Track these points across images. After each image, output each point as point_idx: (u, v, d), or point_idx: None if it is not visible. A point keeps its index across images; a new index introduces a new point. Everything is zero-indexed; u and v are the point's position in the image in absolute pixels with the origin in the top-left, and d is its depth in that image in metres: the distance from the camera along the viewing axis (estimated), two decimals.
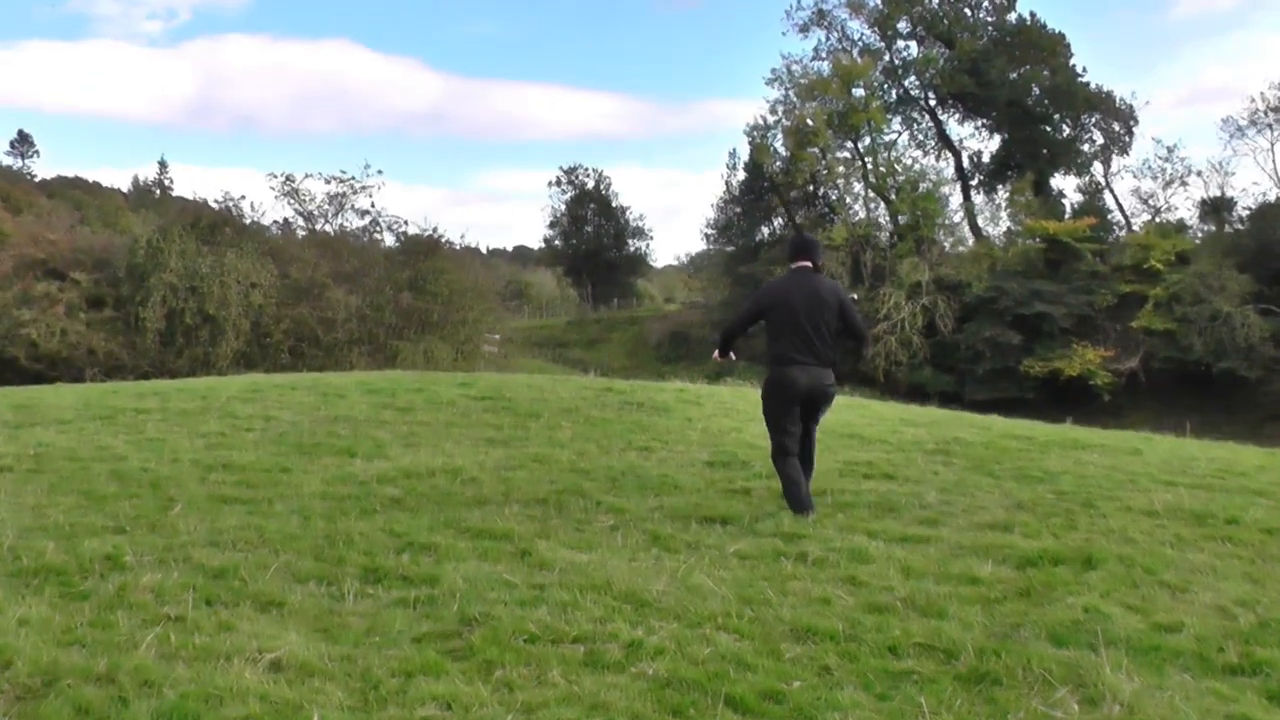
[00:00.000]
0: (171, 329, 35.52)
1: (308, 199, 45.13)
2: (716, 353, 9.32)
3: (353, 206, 44.85)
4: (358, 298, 39.73)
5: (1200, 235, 60.74)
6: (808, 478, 8.20)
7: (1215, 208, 61.12)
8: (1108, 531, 7.54)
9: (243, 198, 45.76)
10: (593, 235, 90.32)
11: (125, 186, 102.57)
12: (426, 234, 43.53)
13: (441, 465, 9.54)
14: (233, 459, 9.82)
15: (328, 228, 45.50)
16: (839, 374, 8.30)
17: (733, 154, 73.03)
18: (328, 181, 44.83)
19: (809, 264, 8.38)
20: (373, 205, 44.90)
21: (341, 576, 6.02)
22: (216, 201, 41.80)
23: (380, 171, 51.00)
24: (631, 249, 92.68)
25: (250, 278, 36.49)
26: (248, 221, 41.20)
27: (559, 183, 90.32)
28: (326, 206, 45.08)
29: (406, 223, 45.19)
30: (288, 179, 44.47)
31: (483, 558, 6.47)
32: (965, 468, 10.05)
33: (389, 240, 45.40)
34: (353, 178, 44.65)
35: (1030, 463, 10.31)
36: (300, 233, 45.42)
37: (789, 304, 8.11)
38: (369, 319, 39.93)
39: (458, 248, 44.85)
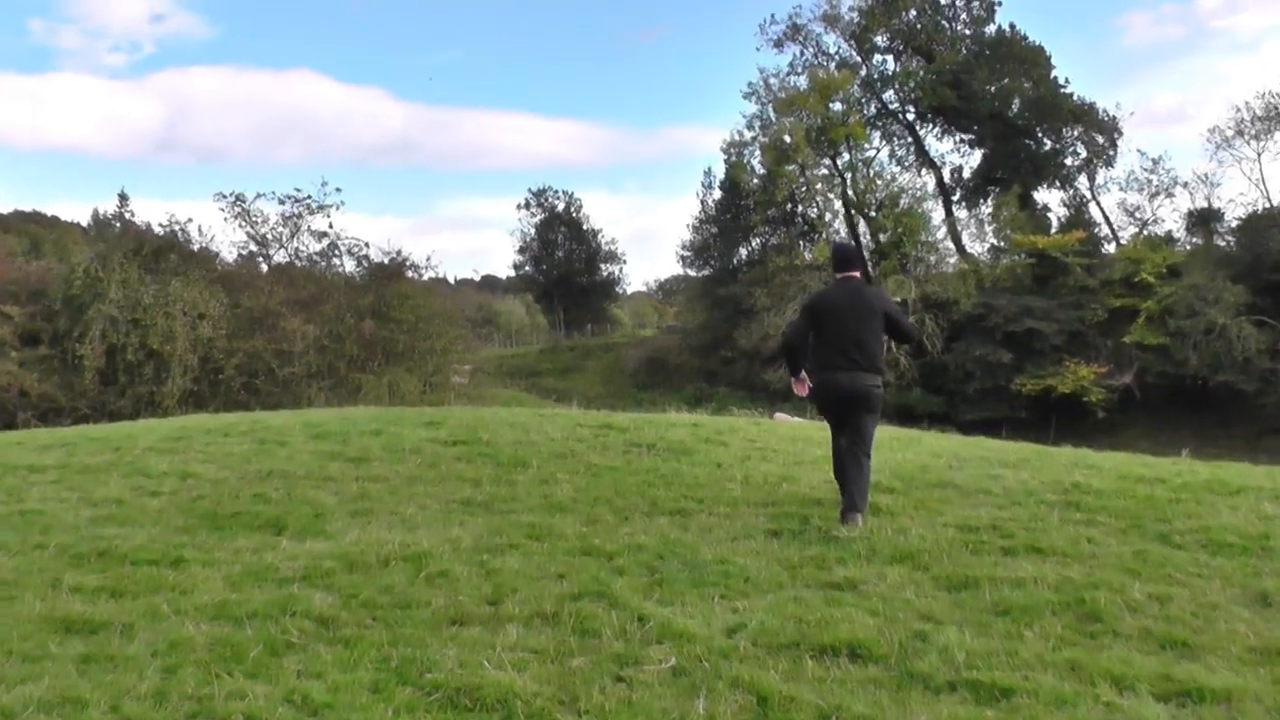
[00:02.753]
0: (113, 366, 32.35)
1: (260, 221, 41.77)
2: (793, 380, 8.60)
3: (309, 228, 41.55)
4: (316, 327, 36.61)
5: (1188, 247, 59.07)
6: (859, 498, 7.95)
7: (1203, 219, 59.50)
8: None
9: (189, 220, 42.11)
10: (564, 259, 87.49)
11: (85, 220, 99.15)
12: (390, 257, 40.49)
13: (399, 548, 6.87)
14: (115, 544, 7.17)
15: (282, 252, 42.33)
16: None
17: (708, 173, 70.48)
18: (281, 202, 41.32)
19: (855, 274, 8.46)
20: (330, 227, 41.49)
21: None
22: (161, 226, 38.36)
23: (339, 190, 47.19)
24: (604, 273, 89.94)
25: (198, 308, 33.39)
26: (195, 247, 37.97)
27: (528, 205, 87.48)
28: (281, 229, 41.77)
29: (367, 245, 41.91)
30: (238, 199, 41.00)
31: None
32: (1121, 529, 7.48)
33: (349, 265, 42.17)
34: (309, 197, 41.23)
35: (1198, 519, 7.73)
36: (254, 258, 42.22)
37: (837, 313, 8.20)
38: (329, 350, 36.82)
39: (423, 272, 41.75)
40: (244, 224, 41.38)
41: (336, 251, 42.11)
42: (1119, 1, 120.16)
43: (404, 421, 13.90)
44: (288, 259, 42.08)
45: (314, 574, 6.21)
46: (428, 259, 42.09)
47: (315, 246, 41.90)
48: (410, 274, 40.62)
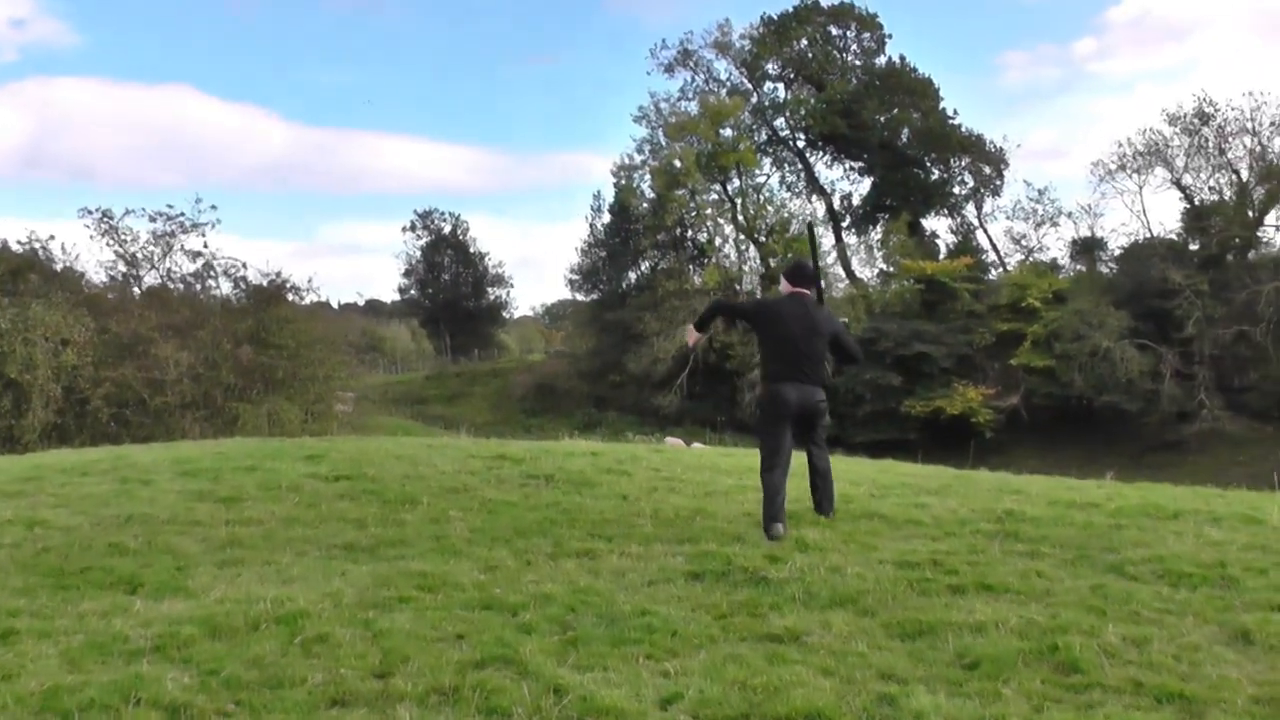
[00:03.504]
0: None
1: (130, 239, 39.55)
2: (692, 327, 9.22)
3: (182, 248, 39.53)
4: (191, 354, 34.75)
5: (1073, 274, 60.61)
6: (826, 502, 8.58)
7: (1087, 248, 61.01)
8: None
9: (51, 238, 39.36)
10: (450, 283, 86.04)
11: None
12: (269, 279, 38.74)
13: (271, 607, 5.92)
14: None
15: (154, 273, 40.29)
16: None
17: (597, 196, 69.88)
18: (153, 219, 39.10)
19: (805, 291, 8.54)
20: (205, 246, 39.42)
21: None
22: (20, 243, 36.08)
23: (214, 208, 44.98)
24: (491, 297, 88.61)
25: (61, 333, 31.41)
26: (59, 267, 35.90)
27: (413, 228, 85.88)
28: (152, 248, 39.63)
29: (245, 266, 39.94)
30: (105, 215, 38.62)
31: None
32: (1069, 560, 6.91)
33: (225, 287, 40.25)
34: (182, 214, 39.14)
35: (1146, 547, 7.22)
36: (124, 280, 40.06)
37: (786, 327, 8.28)
38: (204, 378, 34.96)
39: (304, 295, 40.02)
40: (112, 242, 39.01)
41: (212, 273, 40.12)
42: (998, 41, 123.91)
43: (282, 455, 12.87)
44: (159, 280, 40.12)
45: (169, 644, 5.26)
46: (309, 281, 40.42)
47: (189, 267, 39.87)
48: (291, 297, 39.01)
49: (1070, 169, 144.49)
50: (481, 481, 10.66)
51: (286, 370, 37.05)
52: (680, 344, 55.98)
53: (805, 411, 8.25)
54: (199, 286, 40.26)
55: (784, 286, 8.62)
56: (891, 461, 14.77)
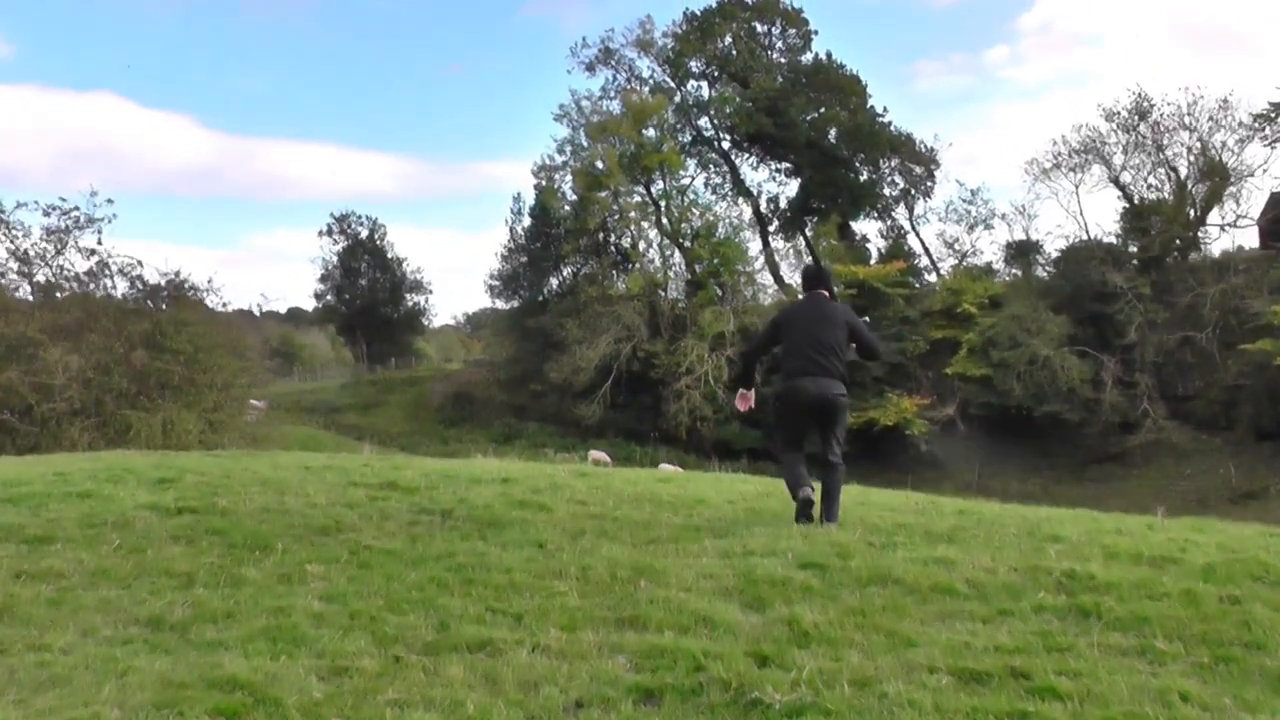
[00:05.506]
0: None
1: (20, 234, 36.27)
2: (740, 391, 8.94)
3: (76, 245, 36.32)
4: (81, 358, 31.69)
5: (1007, 278, 59.03)
6: (829, 509, 8.08)
7: (1022, 251, 59.43)
8: None
9: None
10: (367, 289, 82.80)
11: None
12: (168, 278, 35.69)
13: None
14: None
15: (45, 270, 36.94)
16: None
17: (517, 199, 67.27)
18: (46, 213, 35.96)
19: (823, 291, 8.57)
20: (100, 243, 36.27)
21: None
22: None
23: (110, 202, 41.84)
24: (409, 303, 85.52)
25: None
26: None
27: (330, 232, 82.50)
28: (44, 244, 36.36)
29: (141, 265, 36.73)
30: None
31: None
32: (1204, 667, 4.59)
33: (121, 287, 37.05)
34: (76, 208, 35.97)
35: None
36: (14, 278, 36.70)
37: (803, 323, 8.27)
38: (95, 384, 31.94)
39: (203, 295, 36.99)
40: (4, 237, 35.90)
41: (107, 271, 36.95)
42: (911, 50, 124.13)
43: (129, 477, 10.43)
44: (50, 279, 36.87)
45: None
46: (209, 281, 37.54)
47: (82, 266, 36.71)
48: (190, 295, 36.03)
49: (986, 175, 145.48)
50: (360, 519, 8.30)
51: (183, 376, 34.15)
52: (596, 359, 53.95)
53: (825, 404, 8.09)
54: (93, 286, 37.09)
55: (801, 294, 8.82)
56: (860, 488, 12.60)
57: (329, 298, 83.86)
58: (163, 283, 35.80)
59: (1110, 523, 8.51)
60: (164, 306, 35.02)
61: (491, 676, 4.53)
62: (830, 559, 6.56)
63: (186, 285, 36.20)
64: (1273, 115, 51.24)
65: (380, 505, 8.80)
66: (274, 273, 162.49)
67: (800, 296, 8.71)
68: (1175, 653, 4.78)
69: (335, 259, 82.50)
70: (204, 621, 5.46)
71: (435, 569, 6.47)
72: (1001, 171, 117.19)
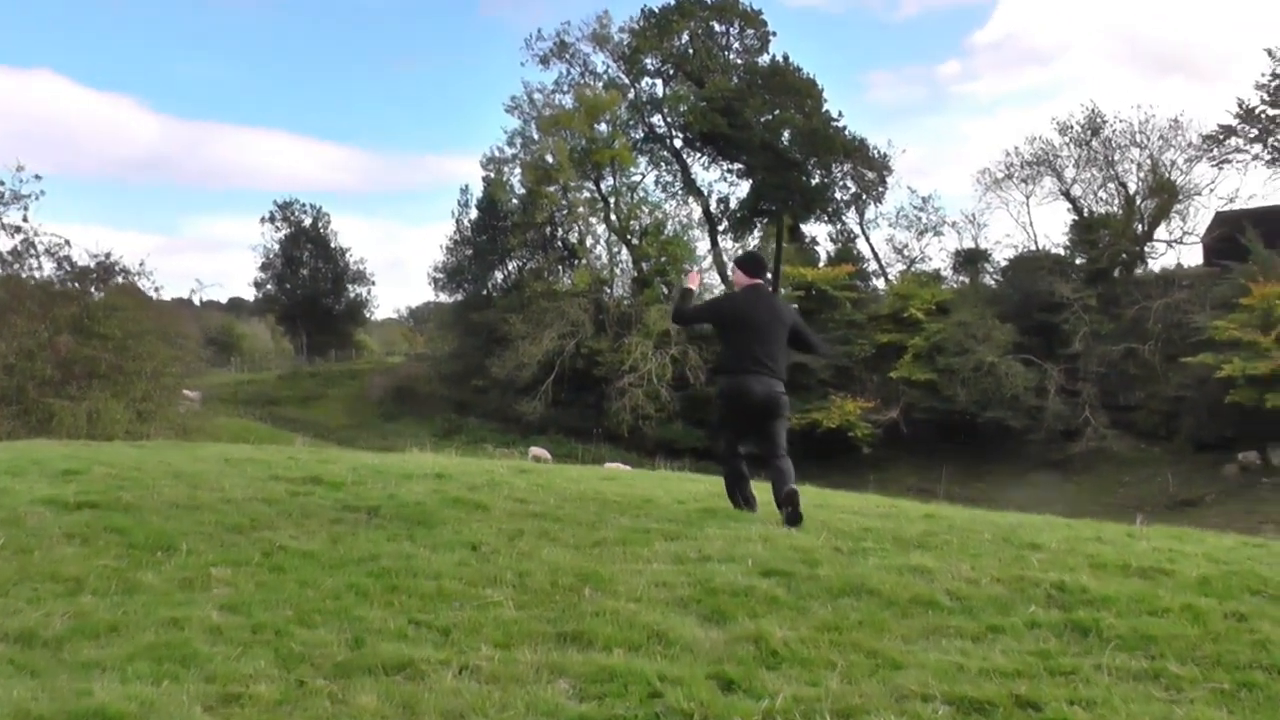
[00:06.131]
0: None
1: None
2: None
3: (1, 222, 34.91)
4: (3, 342, 30.43)
5: (955, 285, 59.05)
6: (786, 485, 7.67)
7: (970, 259, 59.55)
8: None
9: None
10: (309, 279, 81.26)
11: None
12: (98, 260, 34.40)
13: None
14: None
15: None
16: None
17: (465, 190, 66.34)
18: None
19: (761, 281, 8.39)
20: (26, 220, 34.90)
21: None
22: None
23: (39, 177, 40.36)
24: (352, 295, 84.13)
25: None
26: None
27: (272, 219, 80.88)
28: None
29: (69, 244, 35.32)
30: None
31: None
32: (1227, 695, 4.01)
33: (48, 268, 35.68)
34: (1, 183, 34.64)
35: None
36: None
37: (750, 319, 8.02)
38: (18, 370, 30.68)
39: (136, 279, 35.71)
40: None
41: (33, 251, 35.61)
42: (865, 60, 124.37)
43: (33, 469, 9.61)
44: None
45: None
46: (140, 264, 36.05)
47: (6, 244, 35.31)
48: (120, 279, 34.78)
49: (935, 185, 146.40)
50: (278, 515, 7.58)
51: (111, 363, 32.99)
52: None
53: (770, 404, 7.92)
54: (17, 266, 35.72)
55: (739, 278, 8.39)
56: (809, 488, 12.02)
57: (269, 286, 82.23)
58: (92, 265, 34.53)
59: (1088, 530, 7.96)
60: (94, 290, 33.87)
61: (410, 705, 3.85)
62: (796, 566, 5.94)
63: (118, 268, 34.98)
64: (1221, 137, 51.88)
65: (302, 501, 8.08)
66: (217, 261, 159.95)
67: (741, 283, 8.32)
68: (1191, 677, 4.21)
69: (277, 247, 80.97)
70: (84, 637, 4.71)
71: (355, 574, 5.78)
72: (950, 182, 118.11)
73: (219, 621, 4.92)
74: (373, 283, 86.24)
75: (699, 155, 67.70)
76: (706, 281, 62.28)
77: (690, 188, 66.85)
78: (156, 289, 39.02)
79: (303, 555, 6.29)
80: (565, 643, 4.62)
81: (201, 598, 5.37)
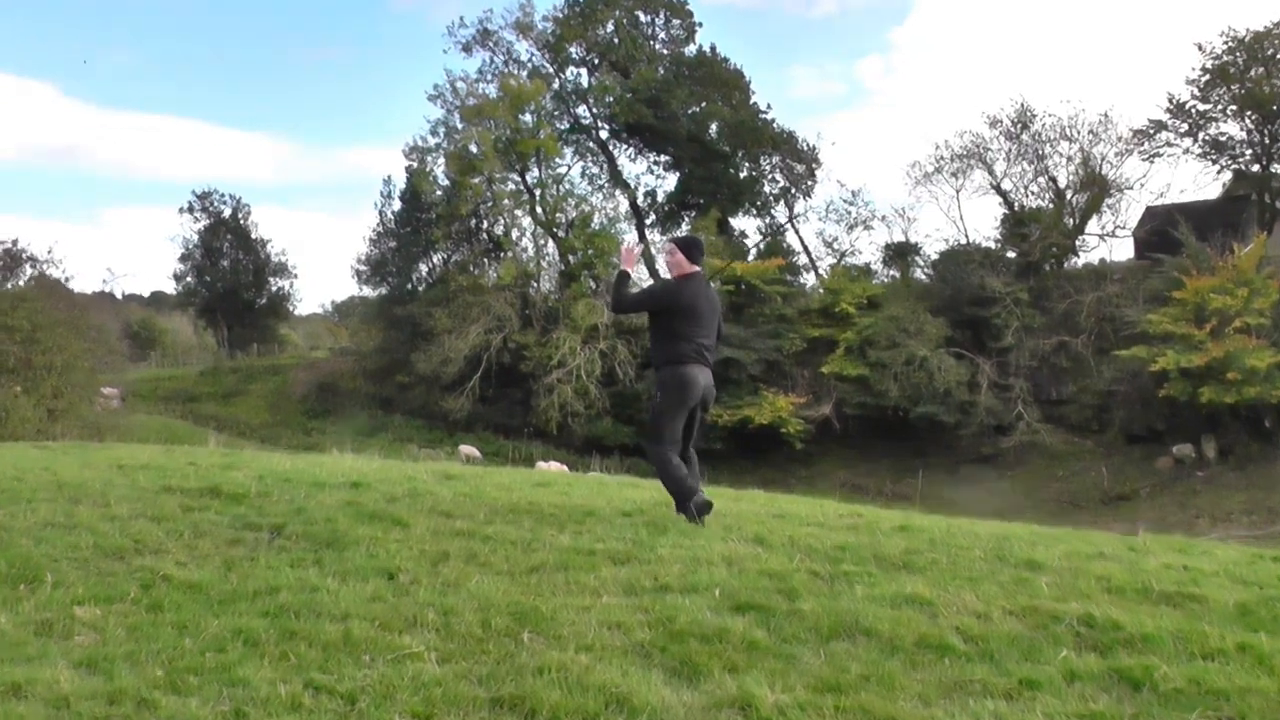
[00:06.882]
0: None
1: None
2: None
3: None
4: None
5: (886, 280, 58.70)
6: (696, 479, 7.85)
7: (900, 252, 59.18)
8: None
9: None
10: (230, 271, 78.98)
11: None
12: (4, 247, 32.98)
13: None
14: None
15: None
16: None
17: (388, 181, 64.77)
18: None
19: (700, 269, 8.23)
20: None
21: None
22: None
23: None
24: (274, 288, 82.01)
25: None
26: None
27: (191, 210, 78.48)
28: None
29: None
30: None
31: None
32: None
33: None
34: None
35: None
36: None
37: (697, 309, 7.90)
38: None
39: (45, 268, 34.32)
40: None
41: None
42: (787, 54, 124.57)
43: None
44: None
45: None
46: (49, 252, 34.47)
47: None
48: (29, 268, 33.38)
49: (864, 180, 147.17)
50: (167, 536, 6.57)
51: (19, 357, 31.58)
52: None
53: (708, 397, 7.99)
54: None
55: (679, 260, 8.11)
56: (759, 493, 11.18)
57: (189, 279, 79.93)
58: None
59: (1084, 544, 7.11)
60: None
61: None
62: (771, 598, 5.05)
63: (25, 255, 33.64)
64: (1152, 132, 52.17)
65: (195, 519, 7.07)
66: (140, 253, 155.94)
67: (685, 268, 8.06)
68: None
69: (196, 238, 78.68)
70: None
71: (247, 614, 4.79)
72: (872, 178, 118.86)
73: (71, 686, 3.91)
74: (295, 276, 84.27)
75: (625, 147, 66.74)
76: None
77: (617, 180, 65.82)
78: (67, 278, 37.51)
79: (188, 588, 5.30)
80: (500, 710, 3.68)
81: (57, 649, 4.37)
